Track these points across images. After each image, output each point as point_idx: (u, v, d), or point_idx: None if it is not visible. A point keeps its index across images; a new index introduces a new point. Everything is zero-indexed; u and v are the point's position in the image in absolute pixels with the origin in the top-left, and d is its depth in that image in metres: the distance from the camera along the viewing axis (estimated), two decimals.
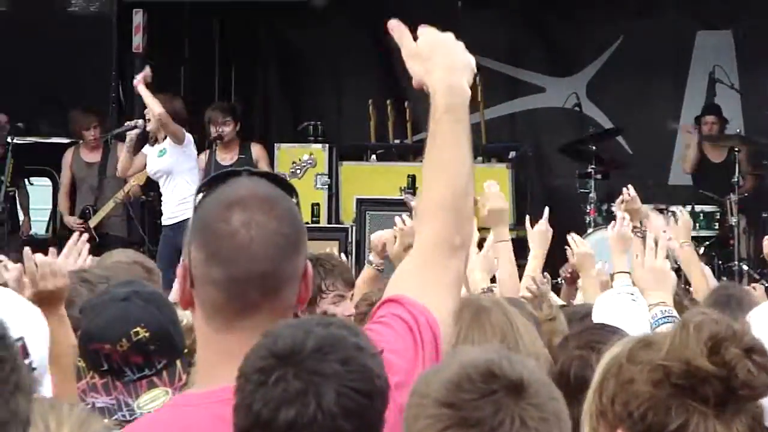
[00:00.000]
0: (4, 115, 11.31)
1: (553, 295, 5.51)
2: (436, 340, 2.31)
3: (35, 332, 2.38)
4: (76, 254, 4.26)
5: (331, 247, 6.01)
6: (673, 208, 6.23)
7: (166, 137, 9.70)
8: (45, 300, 3.28)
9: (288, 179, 10.05)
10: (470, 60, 2.51)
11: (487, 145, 12.09)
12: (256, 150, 10.69)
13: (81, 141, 11.03)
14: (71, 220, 10.84)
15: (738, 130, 11.34)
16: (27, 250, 3.77)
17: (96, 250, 5.76)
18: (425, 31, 2.50)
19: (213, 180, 2.28)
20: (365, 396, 1.85)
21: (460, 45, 2.51)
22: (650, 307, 3.91)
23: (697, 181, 11.42)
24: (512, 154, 11.58)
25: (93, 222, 10.68)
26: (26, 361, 2.34)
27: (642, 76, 12.23)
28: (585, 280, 5.64)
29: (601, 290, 5.26)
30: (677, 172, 11.90)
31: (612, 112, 12.44)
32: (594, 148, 11.02)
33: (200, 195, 2.26)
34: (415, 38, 2.50)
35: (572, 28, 12.44)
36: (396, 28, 2.49)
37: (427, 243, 2.39)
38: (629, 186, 6.29)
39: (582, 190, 11.03)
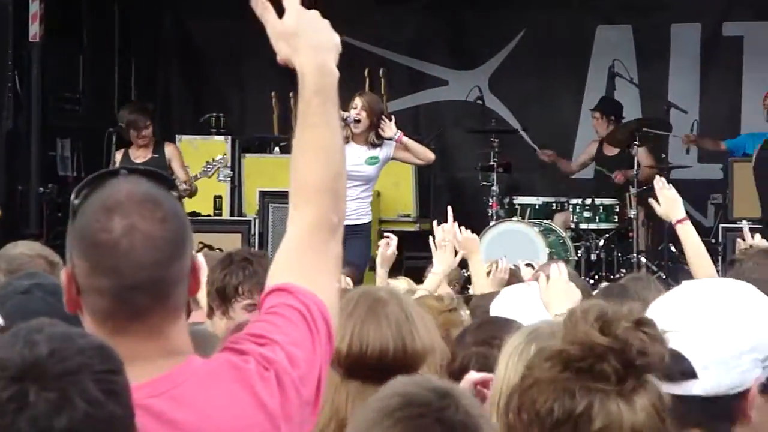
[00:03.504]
0: None
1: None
2: (329, 328, 2.28)
3: None
4: None
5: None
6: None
7: (378, 146, 8.98)
8: None
9: (198, 177, 9.65)
10: (336, 39, 2.43)
11: None
12: (170, 149, 10.54)
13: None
14: None
15: None
16: None
17: None
18: (291, 6, 2.42)
19: (90, 182, 2.20)
20: (116, 374, 1.83)
21: (326, 23, 2.43)
22: (555, 318, 3.90)
23: (594, 175, 11.55)
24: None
25: None
26: None
27: (543, 69, 12.34)
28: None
29: (498, 287, 5.26)
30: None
31: (513, 106, 12.53)
32: (496, 141, 11.09)
33: (78, 199, 2.18)
34: (280, 14, 2.42)
35: (475, 22, 12.51)
36: (258, 3, 2.41)
37: (306, 227, 2.33)
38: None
39: (484, 183, 11.10)
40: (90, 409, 1.77)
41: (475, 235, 5.97)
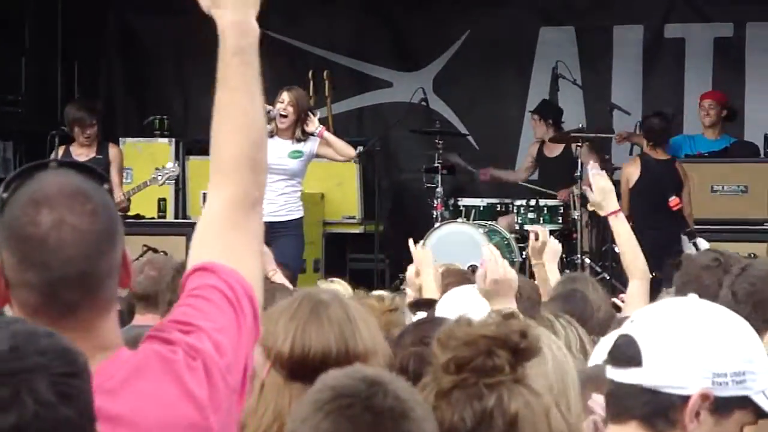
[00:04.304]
0: None
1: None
2: (254, 306, 2.26)
3: None
4: None
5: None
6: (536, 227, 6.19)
7: (303, 141, 9.04)
8: None
9: (147, 184, 9.50)
10: None
11: None
12: (114, 152, 10.47)
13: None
14: None
15: (580, 125, 11.56)
16: None
17: None
18: None
19: (19, 175, 2.18)
20: (75, 377, 1.82)
21: None
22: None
23: (538, 177, 11.62)
24: (359, 149, 11.63)
25: None
26: None
27: (487, 71, 12.39)
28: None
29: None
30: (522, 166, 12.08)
31: (458, 107, 12.57)
32: (441, 143, 11.12)
33: (6, 193, 2.16)
34: None
35: (418, 23, 12.54)
36: None
37: (226, 203, 2.30)
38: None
39: (429, 185, 11.13)
40: (40, 410, 1.76)
41: (429, 251, 5.79)
